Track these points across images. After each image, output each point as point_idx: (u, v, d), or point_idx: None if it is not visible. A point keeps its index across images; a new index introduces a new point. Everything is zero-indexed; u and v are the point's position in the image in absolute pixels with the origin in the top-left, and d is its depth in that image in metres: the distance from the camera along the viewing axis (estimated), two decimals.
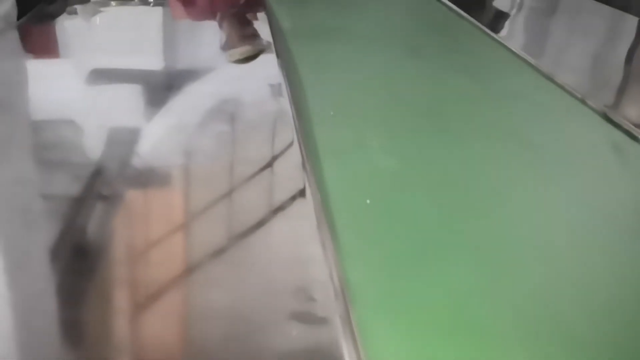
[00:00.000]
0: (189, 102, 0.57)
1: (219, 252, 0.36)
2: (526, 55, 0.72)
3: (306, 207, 0.40)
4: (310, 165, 0.45)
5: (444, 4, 0.96)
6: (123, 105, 0.57)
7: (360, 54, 0.71)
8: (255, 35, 0.82)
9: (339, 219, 0.39)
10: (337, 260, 0.35)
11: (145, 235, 0.38)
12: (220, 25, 0.88)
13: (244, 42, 0.80)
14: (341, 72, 0.65)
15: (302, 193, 0.42)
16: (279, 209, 0.41)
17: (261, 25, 0.83)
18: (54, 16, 0.81)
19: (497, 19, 0.98)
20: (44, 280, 0.34)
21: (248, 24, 0.89)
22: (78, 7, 0.86)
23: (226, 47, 0.80)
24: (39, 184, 0.43)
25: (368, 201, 0.40)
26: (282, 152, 0.48)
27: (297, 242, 0.37)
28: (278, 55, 0.70)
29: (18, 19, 0.81)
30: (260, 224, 0.39)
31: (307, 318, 0.31)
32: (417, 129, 0.52)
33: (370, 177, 0.44)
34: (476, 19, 0.88)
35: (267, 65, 0.68)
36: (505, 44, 0.77)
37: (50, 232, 0.38)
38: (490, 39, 0.80)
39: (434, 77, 0.64)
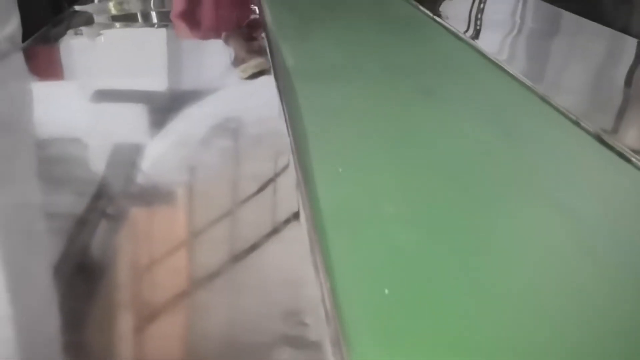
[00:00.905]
0: (191, 124, 0.57)
1: (212, 275, 0.37)
2: (537, 88, 0.69)
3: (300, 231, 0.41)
4: (306, 187, 0.45)
5: (452, 32, 0.92)
6: (127, 125, 0.58)
7: (370, 95, 0.66)
8: (263, 50, 0.82)
9: (332, 243, 0.39)
10: (329, 283, 0.35)
11: (137, 255, 0.39)
12: (226, 43, 0.89)
13: (255, 56, 0.80)
14: (349, 118, 0.60)
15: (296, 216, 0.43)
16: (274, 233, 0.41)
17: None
18: (59, 38, 0.82)
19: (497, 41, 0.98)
20: (46, 299, 0.34)
21: (254, 39, 0.90)
22: (83, 28, 0.87)
23: (236, 63, 0.81)
24: (43, 203, 0.44)
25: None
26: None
27: (290, 265, 0.38)
28: (280, 97, 0.66)
29: (24, 40, 0.82)
30: (254, 247, 0.39)
31: (298, 342, 0.32)
32: (436, 188, 0.47)
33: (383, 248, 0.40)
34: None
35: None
36: (511, 71, 0.75)
37: (53, 250, 0.38)
38: (501, 71, 0.76)
39: (451, 123, 0.59)
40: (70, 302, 0.34)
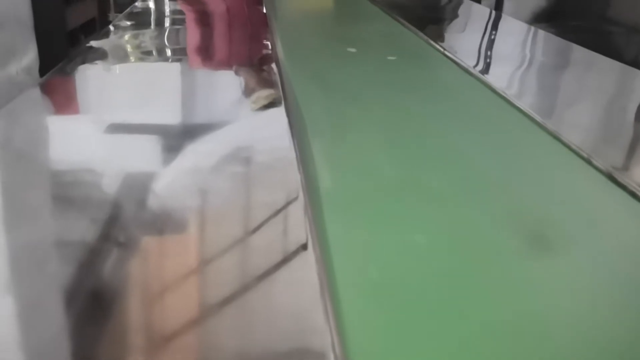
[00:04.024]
0: (204, 158, 0.58)
1: (216, 316, 0.37)
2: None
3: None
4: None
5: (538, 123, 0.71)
6: (140, 159, 0.59)
7: (440, 240, 0.45)
8: (273, 80, 0.82)
9: (342, 286, 0.39)
10: (339, 330, 0.35)
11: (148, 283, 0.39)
12: (237, 73, 0.90)
13: (265, 86, 0.81)
14: (410, 287, 0.40)
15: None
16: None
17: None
18: (75, 73, 0.83)
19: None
20: (59, 327, 0.35)
21: (264, 71, 0.91)
22: (99, 63, 0.89)
23: (247, 93, 0.82)
24: (57, 234, 0.45)
25: None
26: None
27: (299, 310, 0.38)
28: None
29: (41, 73, 0.84)
30: (262, 291, 0.39)
31: None
32: None
33: None
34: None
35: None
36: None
37: (67, 280, 0.39)
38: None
39: (581, 299, 0.40)
40: (82, 329, 0.34)
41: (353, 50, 0.99)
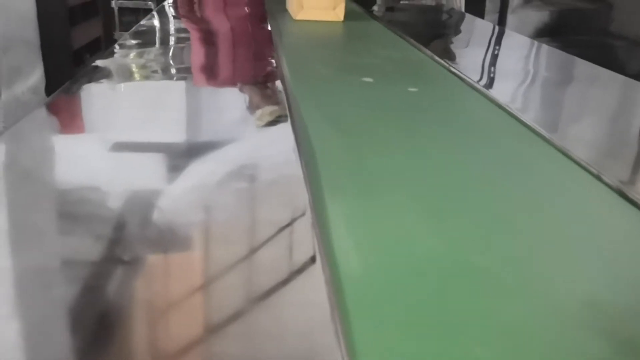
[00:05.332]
0: (208, 180, 0.58)
1: (226, 335, 0.37)
2: None
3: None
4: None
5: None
6: (145, 178, 0.59)
7: None
8: (277, 97, 0.83)
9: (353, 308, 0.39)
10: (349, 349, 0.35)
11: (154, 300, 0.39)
12: (242, 90, 0.91)
13: (269, 103, 0.81)
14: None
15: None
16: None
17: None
18: (81, 92, 0.84)
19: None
20: (66, 346, 0.35)
21: (268, 88, 0.91)
22: (104, 82, 0.89)
23: (251, 109, 0.82)
24: (63, 252, 0.45)
25: None
26: None
27: (310, 333, 0.38)
28: None
29: (47, 93, 0.84)
30: (272, 315, 0.39)
31: None
32: None
33: None
34: None
35: None
36: None
37: (72, 298, 0.39)
38: None
39: None
40: (89, 348, 0.34)
41: (370, 80, 0.97)
